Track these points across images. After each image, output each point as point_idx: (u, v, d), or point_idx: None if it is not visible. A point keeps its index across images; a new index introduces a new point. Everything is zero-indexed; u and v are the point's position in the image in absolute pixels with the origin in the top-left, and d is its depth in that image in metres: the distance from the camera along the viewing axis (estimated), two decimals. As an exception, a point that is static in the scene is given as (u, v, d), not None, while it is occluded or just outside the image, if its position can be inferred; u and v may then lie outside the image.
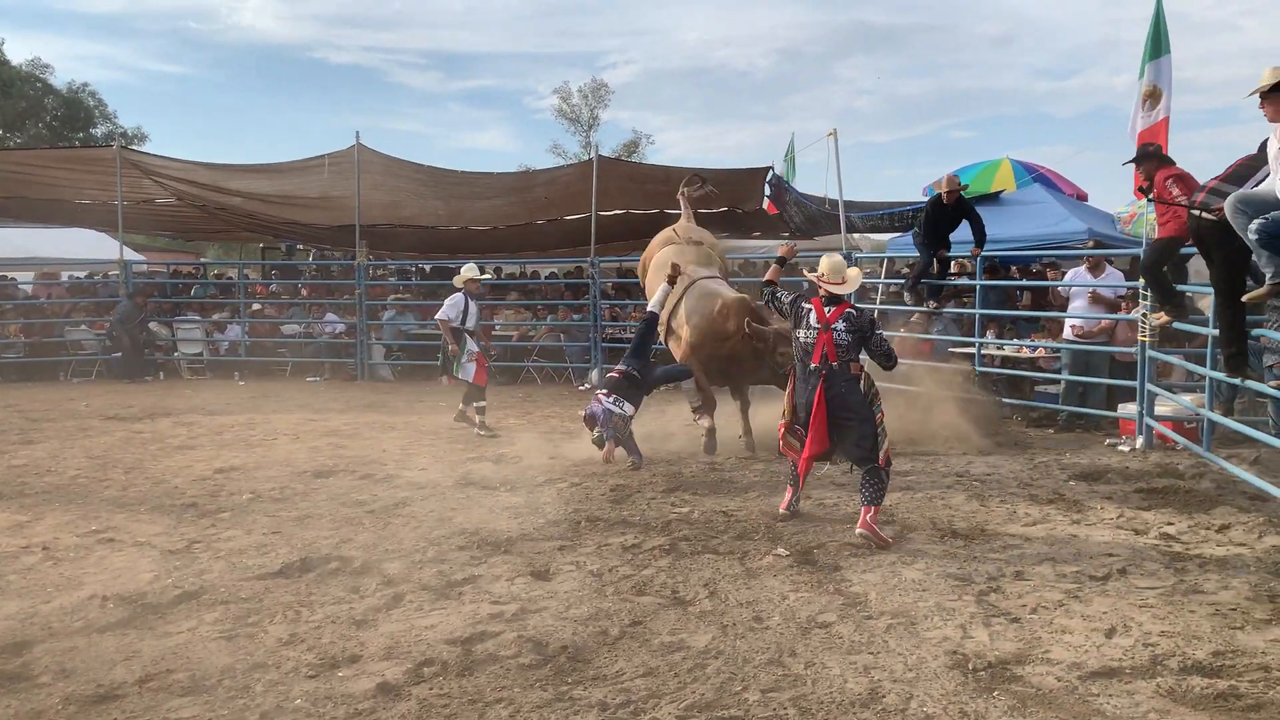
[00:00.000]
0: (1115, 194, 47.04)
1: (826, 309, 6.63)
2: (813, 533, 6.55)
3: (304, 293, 19.00)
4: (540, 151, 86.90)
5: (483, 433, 10.28)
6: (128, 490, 8.07)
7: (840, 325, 6.57)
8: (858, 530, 6.25)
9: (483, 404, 10.58)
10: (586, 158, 18.81)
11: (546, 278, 19.51)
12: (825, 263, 6.77)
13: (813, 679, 4.23)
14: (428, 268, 19.06)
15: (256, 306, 18.38)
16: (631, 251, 20.28)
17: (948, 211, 11.66)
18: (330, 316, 17.40)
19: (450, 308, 10.74)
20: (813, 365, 6.50)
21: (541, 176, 17.50)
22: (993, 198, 14.95)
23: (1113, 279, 10.94)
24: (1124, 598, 5.21)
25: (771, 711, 3.92)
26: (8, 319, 16.97)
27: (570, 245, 18.39)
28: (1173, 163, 8.52)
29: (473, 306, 10.86)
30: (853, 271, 6.91)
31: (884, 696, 4.05)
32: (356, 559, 6.00)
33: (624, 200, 16.98)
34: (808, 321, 6.63)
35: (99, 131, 43.45)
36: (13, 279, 18.49)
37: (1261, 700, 3.94)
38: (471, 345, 10.72)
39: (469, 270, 11.02)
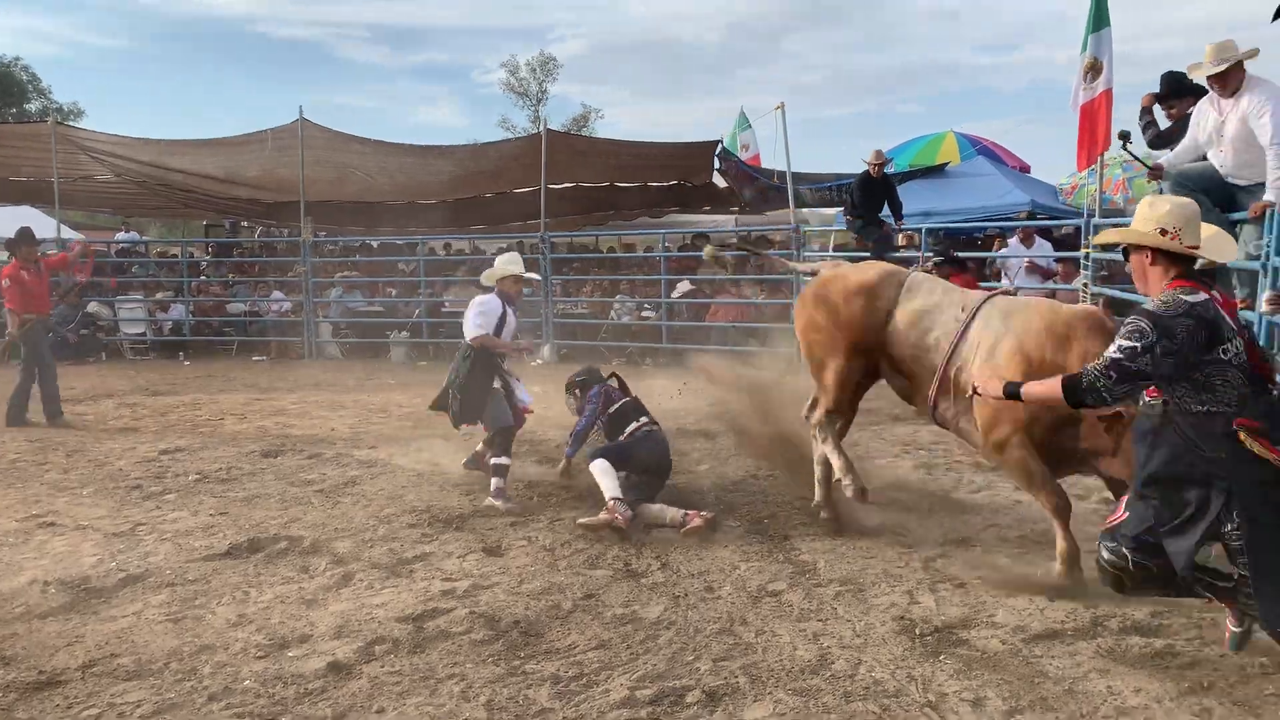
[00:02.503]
0: (1057, 166, 47.83)
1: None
2: (763, 504, 6.60)
3: (227, 270, 18.55)
4: (489, 126, 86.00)
5: (507, 505, 6.61)
6: (69, 473, 7.90)
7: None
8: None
9: (507, 461, 6.87)
10: (536, 131, 18.66)
11: (494, 253, 19.23)
12: (1180, 214, 3.68)
13: (763, 647, 4.29)
14: (375, 244, 18.81)
15: (203, 281, 18.02)
16: (582, 226, 20.25)
17: (878, 185, 11.89)
18: (276, 295, 17.13)
19: (481, 316, 7.08)
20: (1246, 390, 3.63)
21: (490, 150, 17.32)
22: (938, 170, 15.13)
23: (1042, 249, 11.19)
24: (1066, 561, 5.32)
25: (722, 680, 3.96)
26: None
27: (521, 219, 18.24)
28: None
29: (511, 316, 7.26)
30: (1209, 228, 3.92)
31: (833, 662, 4.11)
32: (305, 539, 5.94)
33: (574, 173, 16.88)
34: (1228, 326, 3.62)
35: (33, 107, 42.37)
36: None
37: (1197, 658, 4.07)
38: (512, 382, 7.27)
39: (508, 263, 7.33)
